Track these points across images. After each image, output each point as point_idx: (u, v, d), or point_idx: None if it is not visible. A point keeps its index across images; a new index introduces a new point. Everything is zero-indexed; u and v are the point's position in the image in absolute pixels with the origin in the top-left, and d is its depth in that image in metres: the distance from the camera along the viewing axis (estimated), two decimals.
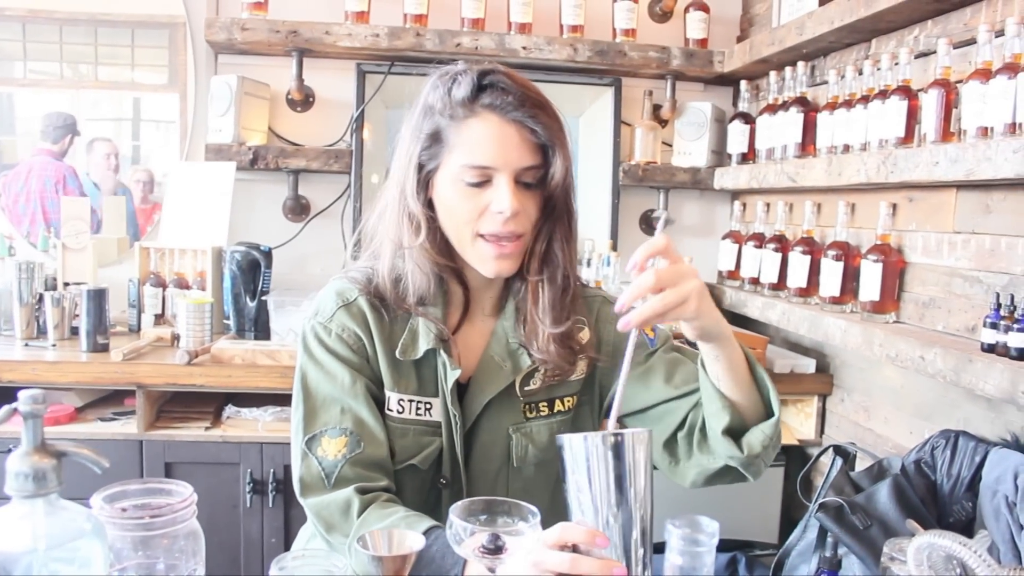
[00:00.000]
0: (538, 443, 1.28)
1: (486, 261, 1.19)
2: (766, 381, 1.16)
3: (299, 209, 2.80)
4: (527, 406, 1.28)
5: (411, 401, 1.23)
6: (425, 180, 1.21)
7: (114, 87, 2.78)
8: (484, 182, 1.16)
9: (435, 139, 1.19)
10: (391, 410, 1.22)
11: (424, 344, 1.21)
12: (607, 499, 0.90)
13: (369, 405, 1.21)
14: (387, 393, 1.23)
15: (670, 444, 1.25)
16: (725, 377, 1.14)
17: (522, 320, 1.26)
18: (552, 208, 1.22)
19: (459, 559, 0.98)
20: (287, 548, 1.98)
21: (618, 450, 0.90)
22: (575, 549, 0.89)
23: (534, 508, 0.91)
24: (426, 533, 1.03)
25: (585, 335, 1.30)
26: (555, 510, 1.30)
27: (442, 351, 1.21)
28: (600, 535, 0.89)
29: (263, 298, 2.37)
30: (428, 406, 1.23)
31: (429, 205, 1.22)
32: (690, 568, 0.92)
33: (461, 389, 1.25)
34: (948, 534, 0.75)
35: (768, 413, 1.17)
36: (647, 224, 2.96)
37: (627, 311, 1.00)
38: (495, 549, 0.85)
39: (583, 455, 0.91)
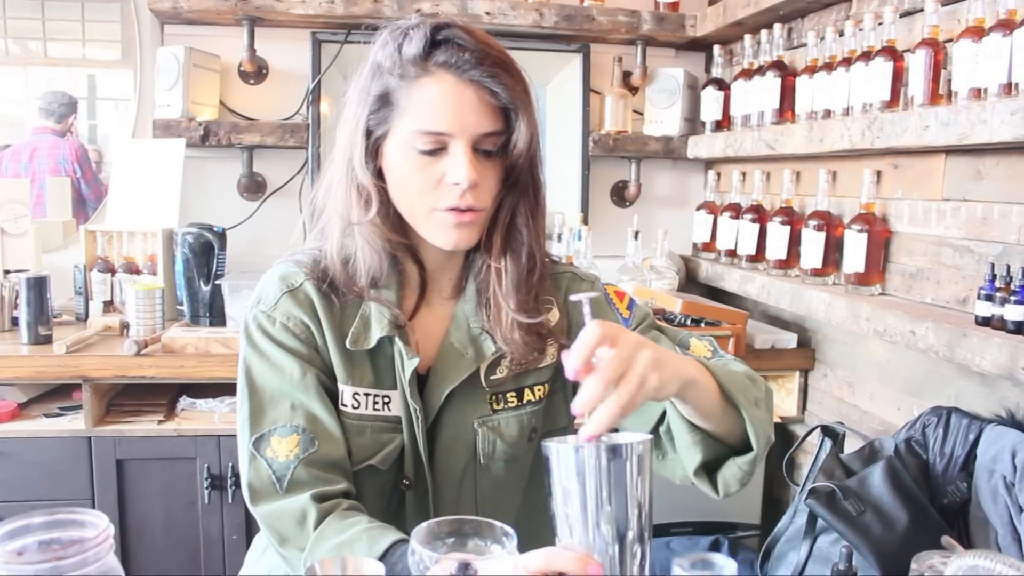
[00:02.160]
0: (507, 437, 1.16)
1: (444, 230, 1.07)
2: (745, 411, 1.02)
3: (254, 187, 2.66)
4: (494, 397, 1.16)
5: (367, 395, 1.11)
6: (374, 148, 1.09)
7: (66, 64, 2.62)
8: (438, 149, 1.04)
9: (384, 101, 1.06)
10: (345, 405, 1.11)
11: (377, 331, 1.10)
12: (597, 515, 0.78)
13: (322, 399, 1.09)
14: (340, 387, 1.11)
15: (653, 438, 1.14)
16: (696, 413, 1.02)
17: (484, 303, 1.15)
18: (515, 179, 1.10)
19: None
20: (248, 545, 1.89)
21: (616, 463, 0.79)
22: None
23: (509, 529, 0.80)
24: (391, 548, 0.93)
25: (554, 315, 1.18)
26: (528, 511, 1.20)
27: (397, 339, 1.10)
28: (592, 562, 0.77)
29: (217, 282, 2.25)
30: (386, 400, 1.12)
31: (379, 175, 1.10)
32: None
33: (421, 380, 1.13)
34: (994, 555, 0.65)
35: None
36: (618, 196, 2.86)
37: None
38: None
39: (573, 467, 0.79)
